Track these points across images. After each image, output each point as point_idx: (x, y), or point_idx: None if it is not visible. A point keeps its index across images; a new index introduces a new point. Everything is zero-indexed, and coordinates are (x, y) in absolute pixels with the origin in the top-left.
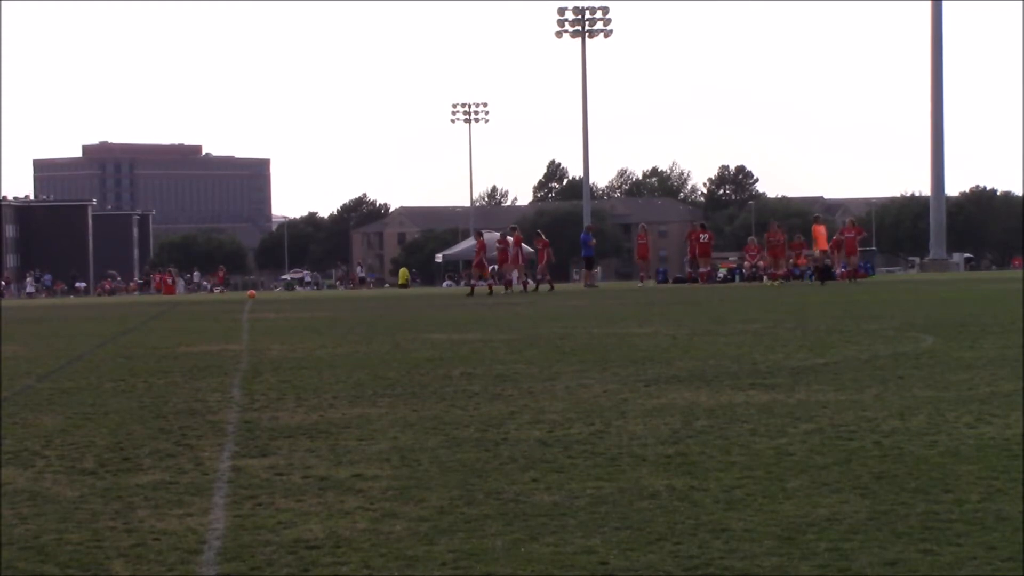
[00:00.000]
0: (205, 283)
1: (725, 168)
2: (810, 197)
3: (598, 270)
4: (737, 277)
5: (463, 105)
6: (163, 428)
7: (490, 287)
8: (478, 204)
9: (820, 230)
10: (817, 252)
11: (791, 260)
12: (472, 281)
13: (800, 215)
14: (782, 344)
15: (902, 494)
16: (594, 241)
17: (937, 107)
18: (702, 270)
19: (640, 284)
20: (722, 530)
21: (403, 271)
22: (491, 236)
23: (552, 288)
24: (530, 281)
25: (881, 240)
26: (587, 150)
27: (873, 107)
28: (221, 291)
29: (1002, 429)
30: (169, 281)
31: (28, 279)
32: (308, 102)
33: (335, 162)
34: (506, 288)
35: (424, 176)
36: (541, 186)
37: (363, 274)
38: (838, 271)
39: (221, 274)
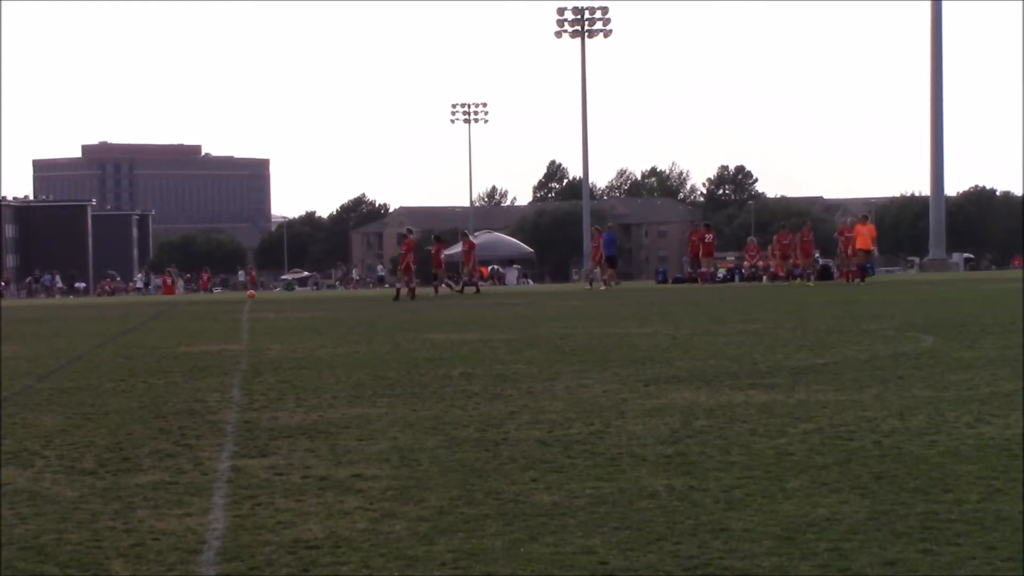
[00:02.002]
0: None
1: (724, 168)
2: (810, 197)
3: (597, 270)
4: (737, 277)
5: (463, 105)
6: (163, 428)
7: (412, 291)
8: (478, 204)
9: (861, 229)
10: (850, 251)
11: (791, 260)
12: (403, 284)
13: (800, 215)
14: (782, 344)
15: (902, 494)
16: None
17: (937, 107)
18: (702, 270)
19: (602, 286)
20: (722, 530)
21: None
22: (490, 237)
23: (478, 291)
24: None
25: (881, 240)
26: (587, 150)
27: (873, 107)
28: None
29: (1002, 429)
30: (168, 281)
31: (142, 274)
32: (308, 102)
33: (335, 162)
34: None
35: (424, 176)
36: (541, 186)
37: (382, 272)
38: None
39: (252, 275)
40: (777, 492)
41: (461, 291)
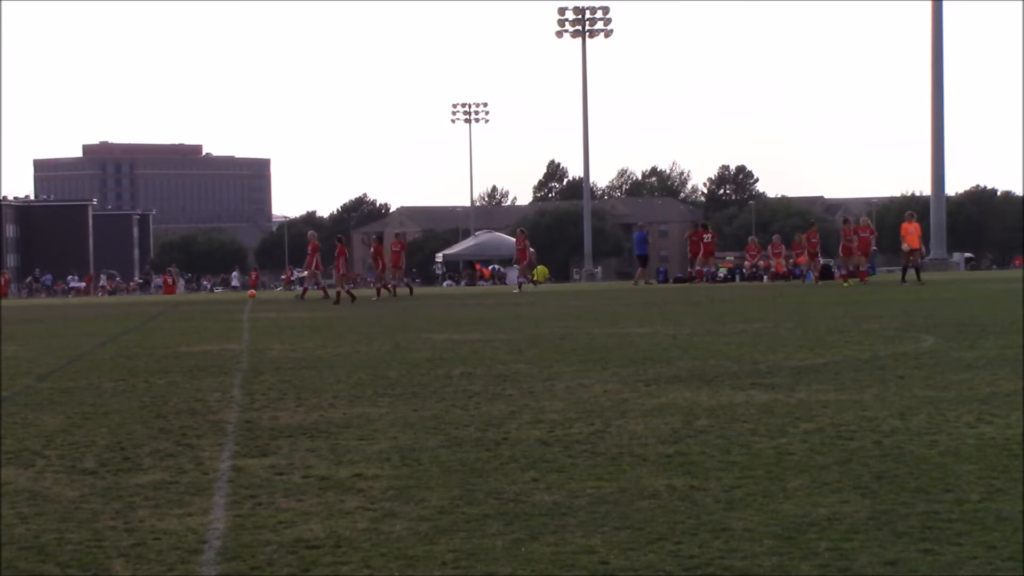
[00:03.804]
0: (206, 283)
1: (725, 168)
2: (810, 197)
3: (598, 269)
4: (737, 277)
5: (463, 105)
6: (163, 428)
7: (329, 292)
8: (478, 204)
9: (908, 228)
10: (906, 248)
11: (791, 260)
12: (305, 285)
13: (800, 215)
14: (782, 344)
15: (902, 494)
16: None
17: (937, 107)
18: (699, 268)
19: (526, 287)
20: (722, 530)
21: (542, 268)
22: (491, 236)
23: (411, 292)
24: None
25: (881, 240)
26: (587, 150)
27: (873, 107)
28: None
29: (1002, 429)
30: (170, 281)
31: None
32: (308, 102)
33: (335, 162)
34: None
35: (424, 176)
36: (541, 186)
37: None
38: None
39: (288, 276)
40: (778, 492)
41: (393, 293)
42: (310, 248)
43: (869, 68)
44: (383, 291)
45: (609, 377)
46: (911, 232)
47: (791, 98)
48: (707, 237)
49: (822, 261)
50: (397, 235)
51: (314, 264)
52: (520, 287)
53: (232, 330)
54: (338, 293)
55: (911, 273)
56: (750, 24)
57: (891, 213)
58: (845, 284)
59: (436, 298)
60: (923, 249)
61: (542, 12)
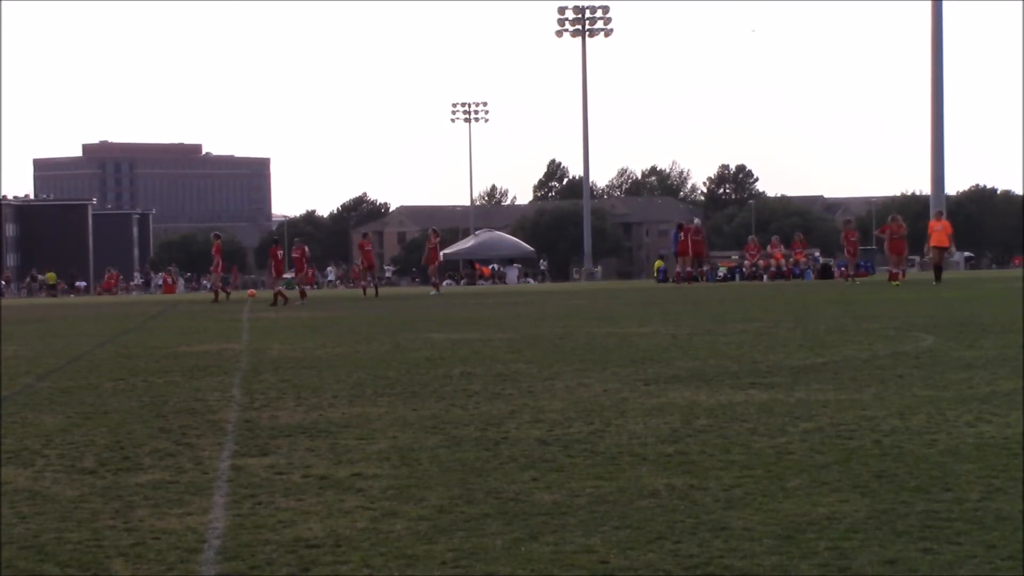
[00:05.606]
0: (205, 282)
1: (725, 167)
2: (810, 196)
3: (598, 268)
4: (737, 276)
5: (463, 105)
6: (163, 427)
7: (221, 292)
8: (478, 204)
9: (935, 226)
10: (927, 247)
11: (791, 259)
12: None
13: (800, 214)
14: (782, 344)
15: (902, 493)
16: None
17: (937, 106)
18: (676, 270)
19: (433, 292)
20: (722, 529)
21: (659, 262)
22: (491, 236)
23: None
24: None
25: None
26: (587, 149)
27: (873, 107)
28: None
29: (1002, 428)
30: (170, 281)
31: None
32: (308, 102)
33: (335, 162)
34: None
35: (424, 175)
36: (541, 185)
37: (389, 273)
38: (837, 270)
39: (312, 274)
40: (777, 491)
41: (285, 300)
42: (213, 249)
43: (869, 68)
44: (366, 291)
45: (608, 377)
46: (937, 230)
47: (791, 98)
48: (680, 236)
49: (822, 260)
50: (365, 235)
51: (218, 266)
52: (438, 289)
53: (232, 330)
54: (275, 295)
55: (926, 272)
56: (750, 24)
57: (891, 212)
58: (895, 283)
59: (435, 298)
60: (952, 247)
61: (542, 12)
